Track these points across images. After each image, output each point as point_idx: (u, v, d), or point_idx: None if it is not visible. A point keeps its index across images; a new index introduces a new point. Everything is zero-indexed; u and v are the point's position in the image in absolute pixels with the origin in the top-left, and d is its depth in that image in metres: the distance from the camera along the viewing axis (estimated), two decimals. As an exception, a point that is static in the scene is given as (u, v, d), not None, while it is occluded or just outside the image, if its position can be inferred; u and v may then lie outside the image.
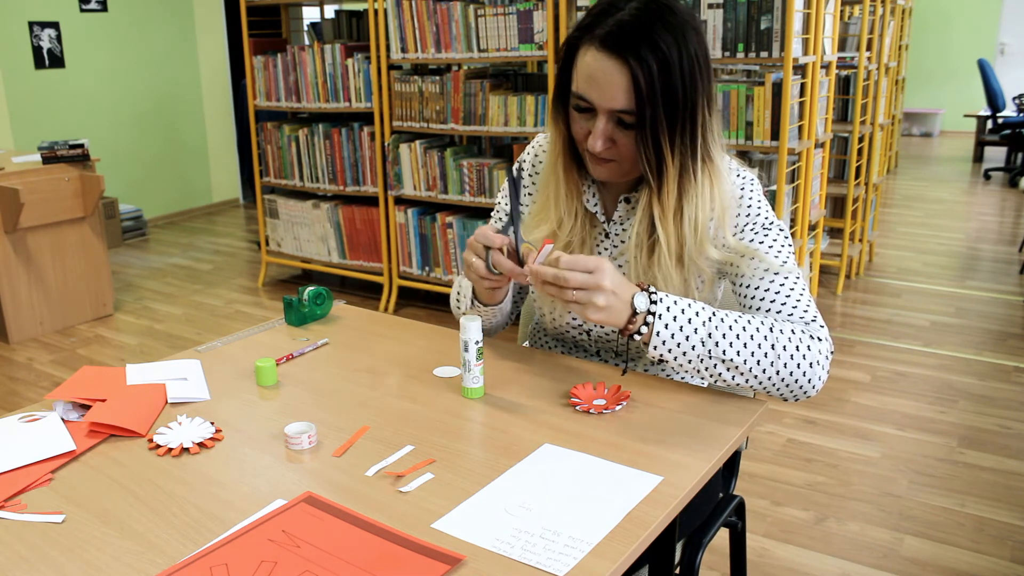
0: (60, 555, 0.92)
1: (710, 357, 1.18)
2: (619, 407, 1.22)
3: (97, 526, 0.97)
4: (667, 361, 1.20)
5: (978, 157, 8.21)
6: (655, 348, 1.18)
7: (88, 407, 1.25)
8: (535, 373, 1.36)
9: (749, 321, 1.20)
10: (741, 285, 1.29)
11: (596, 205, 1.37)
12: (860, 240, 4.58)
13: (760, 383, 1.21)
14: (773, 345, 1.19)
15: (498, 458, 1.09)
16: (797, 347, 1.20)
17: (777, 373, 1.19)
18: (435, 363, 1.41)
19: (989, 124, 8.02)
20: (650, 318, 1.16)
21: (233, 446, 1.15)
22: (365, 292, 4.46)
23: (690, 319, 1.17)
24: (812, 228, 3.52)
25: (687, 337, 1.17)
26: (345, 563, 0.88)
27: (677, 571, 1.24)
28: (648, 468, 1.05)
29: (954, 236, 5.45)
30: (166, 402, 1.28)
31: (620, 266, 1.37)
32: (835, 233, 4.63)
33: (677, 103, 1.18)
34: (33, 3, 5.24)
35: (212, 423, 1.20)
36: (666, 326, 1.16)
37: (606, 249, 1.39)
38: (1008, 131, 7.56)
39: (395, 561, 0.88)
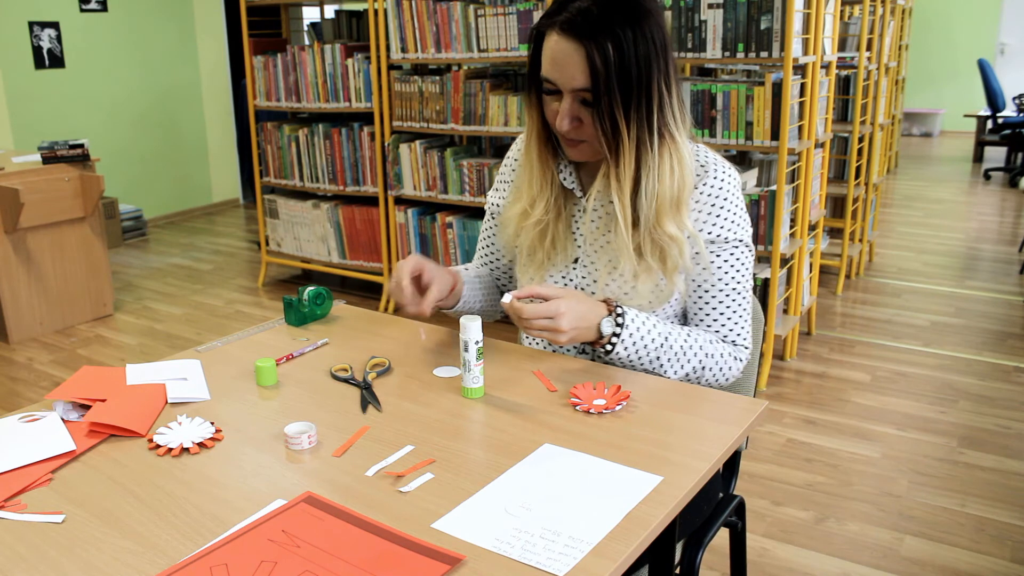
0: (60, 555, 0.92)
1: (652, 371, 1.37)
2: (619, 407, 1.22)
3: (97, 526, 0.97)
4: (613, 362, 1.37)
5: (978, 157, 8.21)
6: (617, 355, 1.34)
7: (88, 407, 1.25)
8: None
9: (691, 343, 1.38)
10: (695, 293, 1.42)
11: (573, 182, 1.43)
12: (860, 240, 4.58)
13: (680, 379, 1.40)
14: (705, 366, 1.39)
15: (498, 458, 1.09)
16: (721, 368, 1.41)
17: (697, 380, 1.41)
18: (435, 363, 1.41)
19: (989, 124, 8.02)
20: (615, 339, 1.32)
21: (233, 446, 1.15)
22: (365, 292, 4.46)
23: (646, 345, 1.34)
24: (812, 228, 3.51)
25: (639, 354, 1.35)
26: (345, 563, 0.88)
27: (677, 571, 1.24)
28: (648, 468, 1.06)
29: (954, 236, 5.45)
30: (166, 402, 1.28)
31: (602, 236, 1.43)
32: (835, 233, 4.62)
33: (631, 80, 1.25)
34: (33, 3, 5.24)
35: (212, 423, 1.20)
36: (626, 346, 1.33)
37: (584, 224, 1.44)
38: (1008, 131, 7.55)
39: (395, 561, 0.88)
